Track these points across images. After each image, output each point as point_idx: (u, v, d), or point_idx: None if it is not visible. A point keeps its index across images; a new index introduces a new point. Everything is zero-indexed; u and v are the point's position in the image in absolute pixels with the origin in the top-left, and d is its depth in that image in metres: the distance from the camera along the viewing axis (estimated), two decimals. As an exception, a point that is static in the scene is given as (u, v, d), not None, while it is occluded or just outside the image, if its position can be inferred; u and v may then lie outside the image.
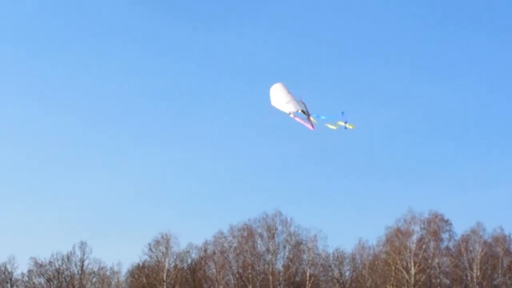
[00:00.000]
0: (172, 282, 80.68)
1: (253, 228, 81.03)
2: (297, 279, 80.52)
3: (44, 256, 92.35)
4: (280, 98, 11.58)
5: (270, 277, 77.69)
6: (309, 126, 11.62)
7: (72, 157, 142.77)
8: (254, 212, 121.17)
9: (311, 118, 11.68)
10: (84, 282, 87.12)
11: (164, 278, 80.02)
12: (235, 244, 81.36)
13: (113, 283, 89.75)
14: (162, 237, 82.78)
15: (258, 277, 78.70)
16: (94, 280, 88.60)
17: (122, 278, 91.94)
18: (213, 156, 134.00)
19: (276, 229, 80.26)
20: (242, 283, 78.83)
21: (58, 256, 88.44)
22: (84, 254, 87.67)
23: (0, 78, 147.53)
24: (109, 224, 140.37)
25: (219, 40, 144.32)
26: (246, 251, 79.83)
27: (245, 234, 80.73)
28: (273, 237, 79.72)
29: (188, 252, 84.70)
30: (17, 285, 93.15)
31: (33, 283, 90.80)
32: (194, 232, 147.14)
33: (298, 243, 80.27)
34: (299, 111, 11.60)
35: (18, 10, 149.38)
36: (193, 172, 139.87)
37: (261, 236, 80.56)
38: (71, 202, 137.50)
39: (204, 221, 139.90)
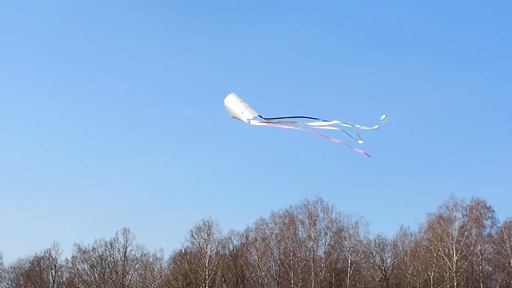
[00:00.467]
0: (214, 268, 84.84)
1: (295, 215, 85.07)
2: (339, 265, 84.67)
3: (87, 242, 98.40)
4: (235, 109, 11.90)
5: (312, 264, 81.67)
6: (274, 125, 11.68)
7: (116, 145, 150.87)
8: (295, 199, 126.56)
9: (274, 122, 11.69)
10: (127, 268, 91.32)
11: (206, 264, 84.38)
12: (276, 231, 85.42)
13: (155, 269, 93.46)
14: (204, 223, 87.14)
15: (300, 263, 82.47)
16: (137, 266, 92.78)
17: (164, 264, 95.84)
18: (254, 144, 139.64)
19: (318, 215, 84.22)
20: (283, 270, 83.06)
21: (101, 242, 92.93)
22: (127, 241, 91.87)
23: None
24: (151, 211, 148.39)
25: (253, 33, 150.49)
26: (288, 237, 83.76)
27: (287, 221, 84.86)
28: (315, 224, 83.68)
29: (230, 238, 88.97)
30: (61, 271, 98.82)
31: (77, 269, 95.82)
32: (235, 219, 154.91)
33: (340, 230, 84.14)
34: (257, 116, 11.69)
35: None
36: (235, 159, 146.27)
37: (302, 223, 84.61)
38: (114, 189, 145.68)
39: (246, 208, 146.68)
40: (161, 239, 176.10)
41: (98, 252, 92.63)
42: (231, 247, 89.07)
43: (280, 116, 11.18)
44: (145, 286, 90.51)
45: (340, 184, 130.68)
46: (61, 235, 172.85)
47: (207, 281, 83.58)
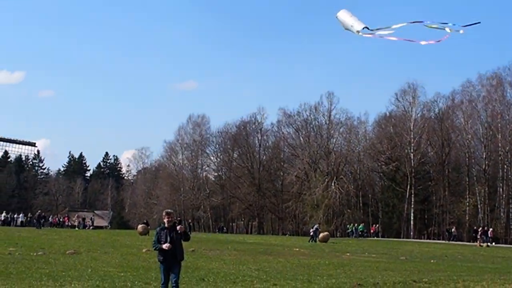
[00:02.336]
0: (419, 131, 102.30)
1: (503, 77, 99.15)
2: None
3: (292, 107, 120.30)
4: (346, 22, 14.02)
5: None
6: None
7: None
8: (503, 60, 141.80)
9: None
10: (332, 132, 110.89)
11: (411, 127, 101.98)
12: (483, 93, 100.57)
13: (360, 132, 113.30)
14: (409, 86, 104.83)
15: (508, 126, 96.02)
16: (341, 130, 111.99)
17: (369, 127, 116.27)
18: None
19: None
20: (490, 133, 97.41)
21: (306, 106, 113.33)
22: (331, 105, 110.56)
23: None
24: (356, 74, 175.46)
25: None
26: (495, 100, 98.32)
27: (494, 82, 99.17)
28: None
29: (436, 101, 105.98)
30: (266, 135, 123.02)
31: (282, 133, 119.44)
32: (441, 81, 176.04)
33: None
34: (365, 28, 13.34)
35: None
36: (444, 16, 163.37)
37: (510, 84, 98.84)
38: (319, 53, 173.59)
39: (452, 70, 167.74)
40: (366, 103, 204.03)
41: (303, 116, 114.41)
42: (436, 110, 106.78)
43: (386, 26, 13.34)
44: (349, 149, 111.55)
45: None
46: (266, 100, 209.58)
47: (412, 144, 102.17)
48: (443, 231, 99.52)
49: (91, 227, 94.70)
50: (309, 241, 62.21)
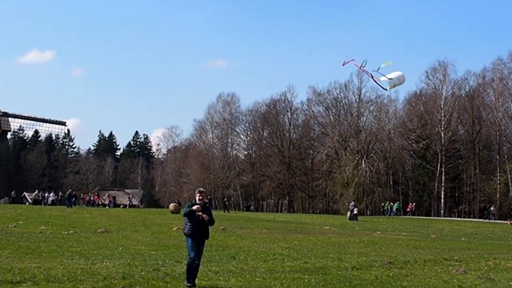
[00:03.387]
0: (450, 109, 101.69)
1: None
2: None
3: (322, 85, 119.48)
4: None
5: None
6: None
7: None
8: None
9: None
10: (362, 110, 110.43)
11: (442, 105, 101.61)
12: None
13: (390, 111, 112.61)
14: (439, 64, 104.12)
15: None
16: (371, 108, 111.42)
17: (399, 106, 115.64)
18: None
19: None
20: None
21: (336, 84, 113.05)
22: (361, 83, 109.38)
23: None
24: (386, 52, 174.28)
25: None
26: None
27: None
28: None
29: (466, 79, 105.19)
30: (296, 114, 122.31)
31: (312, 111, 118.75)
32: (471, 59, 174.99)
33: None
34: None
35: None
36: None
37: None
38: (347, 31, 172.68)
39: (482, 48, 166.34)
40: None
41: (333, 95, 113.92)
42: (467, 87, 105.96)
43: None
44: (379, 127, 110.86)
45: None
46: (296, 78, 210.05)
47: (443, 122, 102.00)
48: (473, 209, 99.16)
49: (122, 206, 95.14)
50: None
